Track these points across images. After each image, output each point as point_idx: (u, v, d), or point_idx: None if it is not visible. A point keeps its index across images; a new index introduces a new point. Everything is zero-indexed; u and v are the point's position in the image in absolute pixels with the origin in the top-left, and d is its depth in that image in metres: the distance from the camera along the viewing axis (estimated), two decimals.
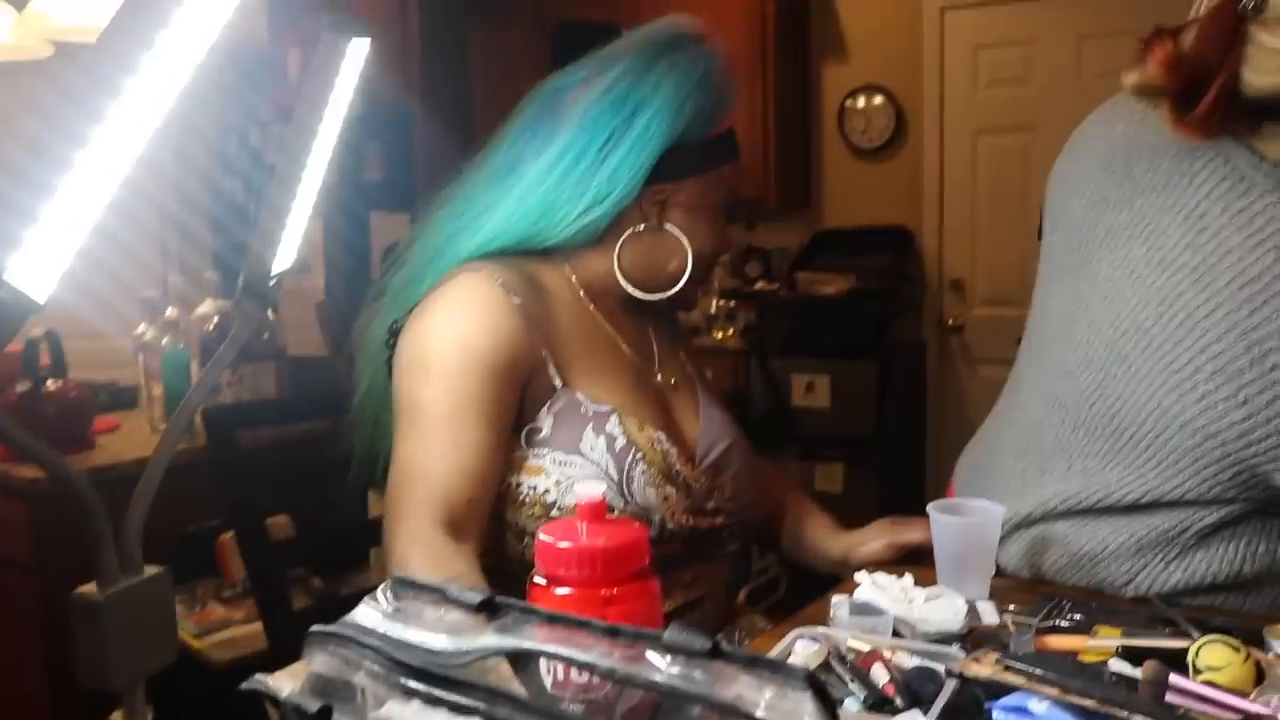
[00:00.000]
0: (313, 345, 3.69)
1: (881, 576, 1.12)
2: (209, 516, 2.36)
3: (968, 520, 1.17)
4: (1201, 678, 0.88)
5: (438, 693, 0.55)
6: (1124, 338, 1.13)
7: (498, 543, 1.23)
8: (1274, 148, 1.07)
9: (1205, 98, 1.02)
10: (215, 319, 2.60)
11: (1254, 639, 0.96)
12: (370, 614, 0.60)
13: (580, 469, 1.20)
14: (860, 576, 1.12)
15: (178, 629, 0.99)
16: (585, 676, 0.62)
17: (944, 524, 1.17)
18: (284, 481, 1.60)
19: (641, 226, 1.30)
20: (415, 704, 0.55)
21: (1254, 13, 1.02)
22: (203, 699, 1.73)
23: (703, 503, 1.27)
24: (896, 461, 4.01)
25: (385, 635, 0.58)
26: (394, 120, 4.42)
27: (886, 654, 0.95)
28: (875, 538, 1.40)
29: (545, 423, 1.22)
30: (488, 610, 0.59)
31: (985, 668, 0.91)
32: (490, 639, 0.57)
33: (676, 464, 1.25)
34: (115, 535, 0.76)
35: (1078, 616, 1.09)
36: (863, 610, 1.06)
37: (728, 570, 1.35)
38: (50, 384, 2.37)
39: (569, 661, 0.54)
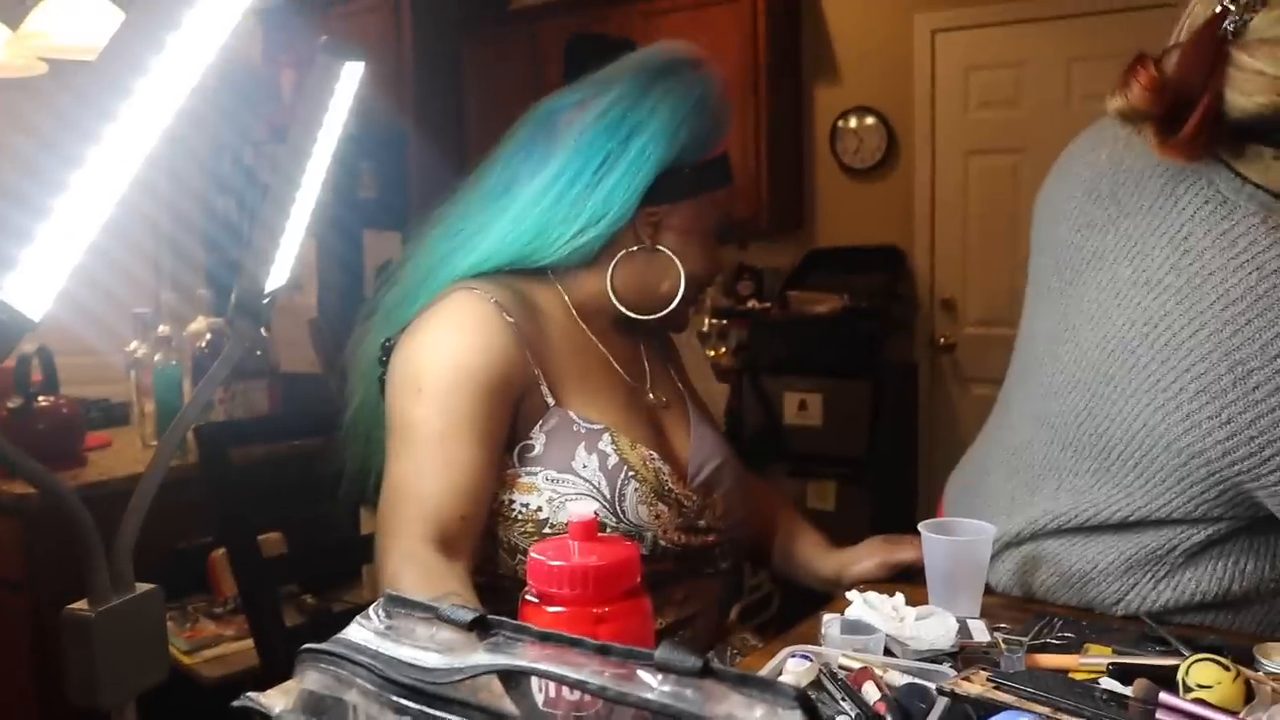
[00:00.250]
0: (306, 363, 3.69)
1: (873, 595, 1.12)
2: (201, 533, 2.36)
3: (959, 539, 1.18)
4: (1191, 696, 0.88)
5: (429, 711, 0.55)
6: (1111, 358, 1.14)
7: (490, 560, 1.23)
8: (1256, 169, 1.08)
9: (1190, 121, 1.03)
10: (208, 336, 2.60)
11: (1243, 657, 0.97)
12: (362, 632, 0.60)
13: (572, 487, 1.20)
14: (852, 595, 1.13)
15: (169, 646, 0.98)
16: (576, 695, 0.62)
17: (935, 543, 1.18)
18: (276, 498, 1.61)
19: (635, 248, 1.31)
20: None
21: (1235, 35, 1.03)
22: (194, 716, 1.72)
23: (694, 521, 1.28)
24: (888, 480, 4.02)
25: (377, 653, 0.58)
26: (388, 139, 4.44)
27: (878, 672, 0.95)
28: (867, 556, 1.40)
29: (538, 441, 1.23)
30: (479, 628, 0.59)
31: (976, 686, 0.91)
32: (482, 657, 0.57)
33: (668, 482, 1.25)
34: (107, 552, 0.76)
35: (1068, 635, 1.10)
36: (854, 628, 1.06)
37: (719, 588, 1.35)
38: (42, 400, 2.37)
39: (560, 680, 0.54)
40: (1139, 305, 1.12)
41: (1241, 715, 0.86)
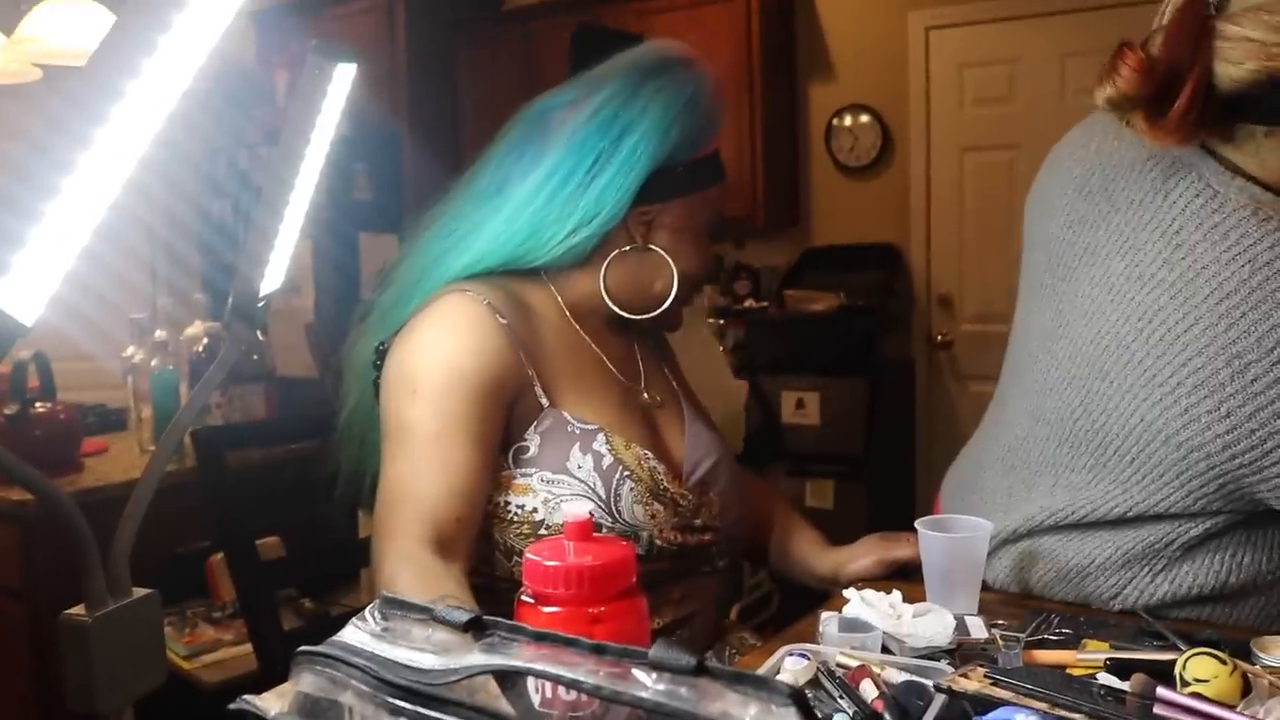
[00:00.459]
0: (302, 366, 3.69)
1: (870, 592, 1.12)
2: (198, 537, 2.35)
3: (956, 536, 1.18)
4: (1189, 690, 0.88)
5: (425, 712, 0.55)
6: (1105, 354, 1.14)
7: (486, 561, 1.23)
8: (1248, 151, 1.08)
9: (1180, 97, 1.03)
10: (204, 340, 2.60)
11: (1241, 651, 0.97)
12: (358, 634, 0.61)
13: (567, 488, 1.20)
14: (849, 593, 1.13)
15: (167, 651, 0.99)
16: (572, 695, 0.63)
17: (932, 540, 1.18)
18: (273, 502, 1.60)
19: (627, 247, 1.31)
20: None
21: (1218, 9, 1.03)
22: None
23: (690, 520, 1.28)
24: (886, 478, 4.02)
25: (373, 654, 0.58)
26: (382, 141, 4.44)
27: (875, 669, 0.96)
28: (864, 554, 1.40)
29: (532, 442, 1.23)
30: (475, 629, 0.59)
31: (973, 682, 0.91)
32: (477, 658, 0.57)
33: (664, 481, 1.25)
34: (104, 557, 0.76)
35: (1066, 630, 1.10)
36: (851, 626, 1.06)
37: (717, 587, 1.35)
38: (38, 406, 2.37)
39: (555, 680, 0.54)
40: (1132, 300, 1.12)
41: (1239, 709, 0.86)
